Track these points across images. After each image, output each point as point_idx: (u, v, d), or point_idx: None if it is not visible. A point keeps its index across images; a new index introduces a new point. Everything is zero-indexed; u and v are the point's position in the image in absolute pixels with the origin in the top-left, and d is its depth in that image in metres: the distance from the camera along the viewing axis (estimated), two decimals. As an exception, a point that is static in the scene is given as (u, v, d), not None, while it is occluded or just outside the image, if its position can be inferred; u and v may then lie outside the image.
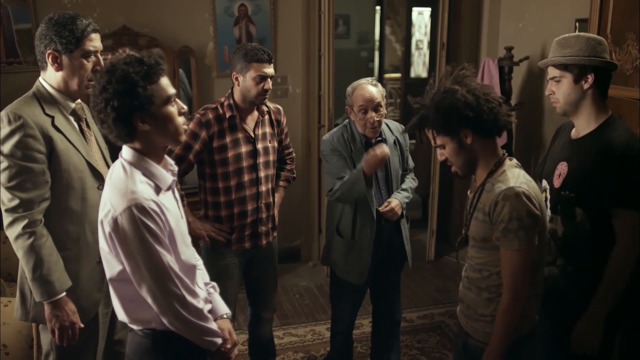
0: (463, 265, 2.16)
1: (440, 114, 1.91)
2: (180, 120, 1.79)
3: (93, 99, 1.71)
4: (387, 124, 2.98)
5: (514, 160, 2.01)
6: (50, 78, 2.19)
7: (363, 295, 3.15)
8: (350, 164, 2.87)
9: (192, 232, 2.68)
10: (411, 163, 3.12)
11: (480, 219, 1.95)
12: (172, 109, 1.76)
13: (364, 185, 2.76)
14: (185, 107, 1.82)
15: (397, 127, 3.05)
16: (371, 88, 2.81)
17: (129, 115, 1.69)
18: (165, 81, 1.75)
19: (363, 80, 2.87)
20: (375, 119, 2.80)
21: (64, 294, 2.13)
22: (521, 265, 1.87)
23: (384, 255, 3.01)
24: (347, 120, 2.97)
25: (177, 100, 1.79)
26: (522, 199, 1.84)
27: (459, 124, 1.90)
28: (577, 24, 3.71)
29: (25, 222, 2.06)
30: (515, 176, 1.91)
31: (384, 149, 2.72)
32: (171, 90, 1.76)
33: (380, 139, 2.90)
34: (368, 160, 2.73)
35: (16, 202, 2.06)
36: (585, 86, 2.17)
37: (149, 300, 1.75)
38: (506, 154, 2.02)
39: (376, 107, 2.80)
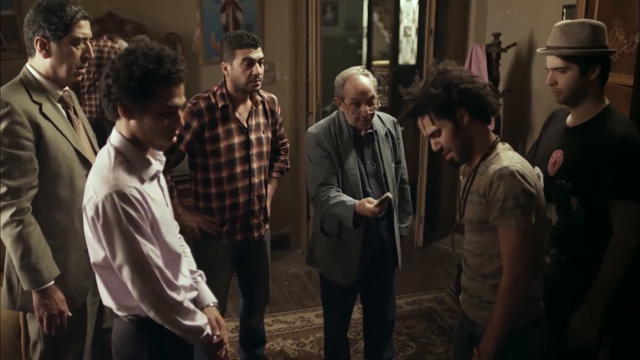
0: (454, 252, 2.12)
1: (438, 93, 1.91)
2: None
3: (112, 64, 1.69)
4: (379, 116, 2.79)
5: (507, 144, 2.00)
6: (38, 65, 2.16)
7: (355, 296, 3.00)
8: (336, 160, 2.68)
9: (181, 224, 2.64)
10: (403, 159, 2.94)
11: (476, 201, 1.93)
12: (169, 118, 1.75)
13: (351, 225, 2.61)
14: (182, 123, 1.81)
15: (389, 118, 2.87)
16: (363, 79, 2.60)
17: (134, 97, 1.68)
18: (178, 91, 1.73)
19: (354, 70, 2.65)
20: (369, 112, 2.61)
21: (52, 282, 2.12)
22: (520, 245, 1.85)
23: (374, 255, 2.83)
24: (336, 112, 2.76)
25: (179, 113, 1.77)
26: (516, 177, 1.83)
27: (458, 102, 1.91)
28: (564, 10, 3.71)
29: (13, 210, 2.04)
30: (509, 157, 1.91)
31: (376, 209, 2.52)
32: (178, 101, 1.74)
33: (370, 131, 2.73)
34: (360, 209, 2.55)
35: (4, 189, 2.04)
36: (592, 77, 2.13)
37: (129, 286, 1.75)
38: (499, 138, 2.02)
39: (369, 100, 2.60)
